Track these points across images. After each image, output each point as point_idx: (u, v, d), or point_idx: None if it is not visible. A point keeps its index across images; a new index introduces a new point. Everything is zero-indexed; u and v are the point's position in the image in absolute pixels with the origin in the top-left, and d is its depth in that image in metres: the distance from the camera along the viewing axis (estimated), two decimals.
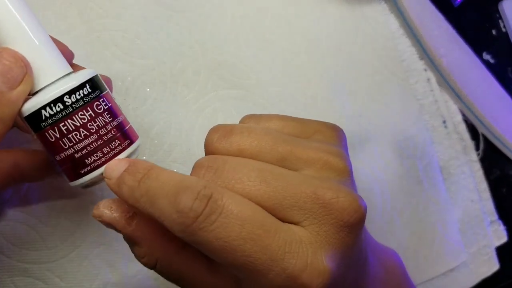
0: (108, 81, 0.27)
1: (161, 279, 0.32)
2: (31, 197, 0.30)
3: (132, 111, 0.33)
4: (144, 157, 0.32)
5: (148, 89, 0.33)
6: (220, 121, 0.35)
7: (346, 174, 0.21)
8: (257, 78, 0.37)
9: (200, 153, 0.34)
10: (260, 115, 0.23)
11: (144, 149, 0.33)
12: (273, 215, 0.19)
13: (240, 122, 0.24)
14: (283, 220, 0.19)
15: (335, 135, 0.23)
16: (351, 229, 0.20)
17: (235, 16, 0.38)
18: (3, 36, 0.21)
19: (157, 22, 0.35)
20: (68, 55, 0.25)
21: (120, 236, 0.31)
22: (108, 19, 0.33)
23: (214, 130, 0.22)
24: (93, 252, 0.30)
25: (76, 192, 0.31)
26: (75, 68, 0.25)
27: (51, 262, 0.30)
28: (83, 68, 0.26)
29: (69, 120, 0.21)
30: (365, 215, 0.20)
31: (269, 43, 0.38)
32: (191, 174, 0.21)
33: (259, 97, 0.37)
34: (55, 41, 0.24)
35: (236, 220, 0.18)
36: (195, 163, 0.21)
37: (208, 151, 0.22)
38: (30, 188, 0.30)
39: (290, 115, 0.24)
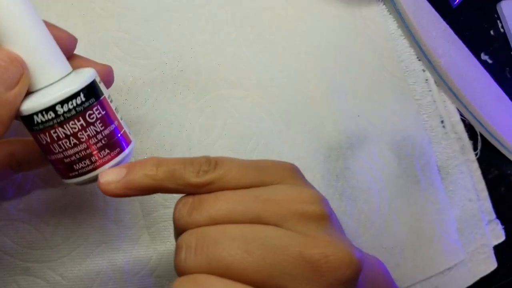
0: (108, 71, 0.26)
1: (162, 277, 0.32)
2: (33, 196, 0.30)
3: (133, 111, 0.33)
4: (145, 157, 0.33)
5: (149, 90, 0.34)
6: (220, 121, 0.35)
7: (326, 219, 0.20)
8: (257, 78, 0.37)
9: (201, 153, 0.34)
10: (216, 161, 0.21)
11: (145, 149, 0.33)
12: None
13: (194, 164, 0.22)
14: None
15: (295, 175, 0.22)
16: (349, 281, 0.19)
17: (235, 17, 0.38)
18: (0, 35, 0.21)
19: (158, 22, 0.35)
20: (70, 42, 0.24)
21: (122, 234, 0.31)
22: (109, 20, 0.33)
23: (182, 203, 0.21)
24: (95, 251, 0.31)
25: (78, 192, 0.31)
26: (78, 61, 0.25)
27: (53, 261, 0.30)
28: (86, 60, 0.25)
29: (59, 128, 0.21)
30: (361, 266, 0.19)
31: (269, 43, 0.39)
32: (175, 255, 0.20)
33: (259, 97, 0.37)
34: (56, 29, 0.23)
35: None
36: (176, 243, 0.20)
37: (179, 227, 0.21)
38: (32, 188, 0.30)
39: (245, 160, 0.22)
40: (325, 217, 0.20)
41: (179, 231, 0.21)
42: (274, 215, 0.20)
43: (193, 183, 0.21)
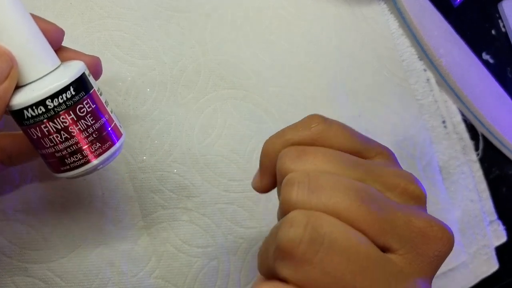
0: (96, 63, 0.26)
1: (162, 278, 0.32)
2: (32, 196, 0.30)
3: (132, 111, 0.33)
4: (144, 157, 0.33)
5: (148, 89, 0.34)
6: (220, 121, 0.35)
7: (424, 202, 0.21)
8: (257, 78, 0.37)
9: (200, 153, 0.34)
10: (326, 120, 0.22)
11: (145, 149, 0.33)
12: (372, 241, 0.18)
13: (307, 119, 0.22)
14: (379, 246, 0.18)
15: (394, 159, 0.22)
16: (442, 258, 0.19)
17: (235, 16, 0.38)
18: None
19: (158, 22, 0.35)
20: (57, 35, 0.24)
21: (120, 235, 0.31)
22: (108, 20, 0.33)
23: (286, 149, 0.21)
24: (93, 252, 0.31)
25: (77, 192, 0.31)
26: (66, 53, 0.24)
27: (51, 262, 0.30)
28: (73, 51, 0.25)
29: (50, 123, 0.21)
30: (453, 244, 0.20)
31: (269, 43, 0.38)
32: (282, 191, 0.19)
33: (259, 97, 0.37)
34: (43, 21, 0.23)
35: (341, 250, 0.17)
36: (285, 181, 0.19)
37: (283, 171, 0.20)
38: (30, 188, 0.30)
39: (351, 128, 0.22)
40: (422, 199, 0.21)
41: (283, 176, 0.20)
42: (377, 182, 0.20)
43: (305, 134, 0.21)
